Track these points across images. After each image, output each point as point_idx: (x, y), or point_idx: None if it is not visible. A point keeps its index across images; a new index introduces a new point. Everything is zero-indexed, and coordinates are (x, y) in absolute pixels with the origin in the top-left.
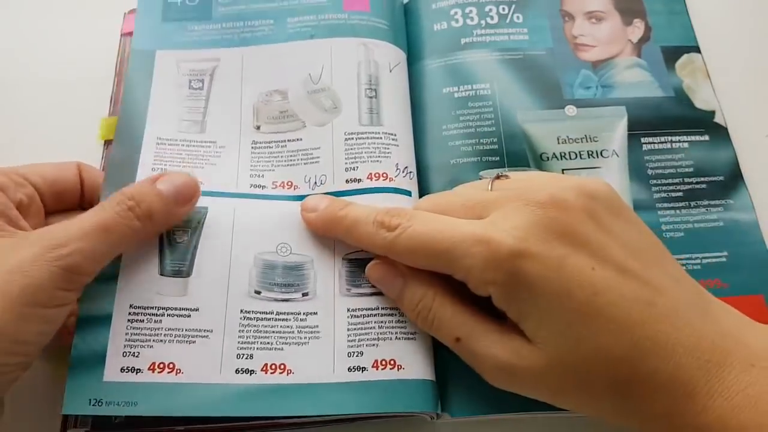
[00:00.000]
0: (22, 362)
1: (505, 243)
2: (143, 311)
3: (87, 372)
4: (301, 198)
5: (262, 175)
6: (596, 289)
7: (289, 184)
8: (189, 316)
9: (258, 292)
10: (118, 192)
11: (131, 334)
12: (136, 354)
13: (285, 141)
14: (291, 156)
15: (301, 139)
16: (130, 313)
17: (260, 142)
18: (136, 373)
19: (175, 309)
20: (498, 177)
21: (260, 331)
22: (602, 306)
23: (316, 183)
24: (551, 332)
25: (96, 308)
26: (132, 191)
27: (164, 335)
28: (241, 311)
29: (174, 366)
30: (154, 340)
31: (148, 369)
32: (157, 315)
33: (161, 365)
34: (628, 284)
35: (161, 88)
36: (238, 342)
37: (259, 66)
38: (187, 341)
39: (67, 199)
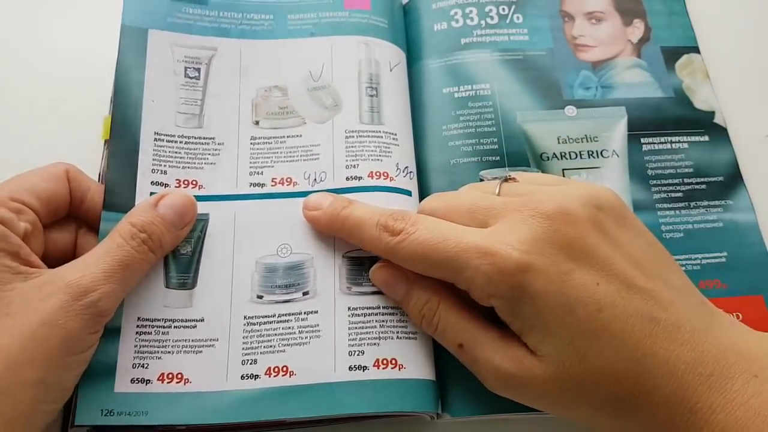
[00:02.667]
0: (63, 403)
1: (510, 257)
2: (151, 323)
3: (98, 383)
4: (300, 195)
5: (261, 172)
6: (600, 306)
7: (288, 180)
8: (195, 326)
9: (260, 297)
10: (126, 222)
11: (140, 346)
12: (145, 365)
13: (284, 137)
14: (290, 152)
15: (300, 136)
16: (138, 326)
17: (259, 138)
18: (146, 383)
19: (182, 320)
20: (506, 179)
21: (263, 335)
22: (606, 323)
23: (315, 180)
24: (554, 347)
25: None
26: (142, 223)
27: (172, 346)
28: (245, 317)
29: (182, 376)
30: (162, 352)
31: (158, 380)
32: (164, 327)
33: (170, 375)
34: (632, 300)
35: (156, 73)
36: (243, 348)
37: (258, 61)
38: (193, 351)
39: (61, 212)
